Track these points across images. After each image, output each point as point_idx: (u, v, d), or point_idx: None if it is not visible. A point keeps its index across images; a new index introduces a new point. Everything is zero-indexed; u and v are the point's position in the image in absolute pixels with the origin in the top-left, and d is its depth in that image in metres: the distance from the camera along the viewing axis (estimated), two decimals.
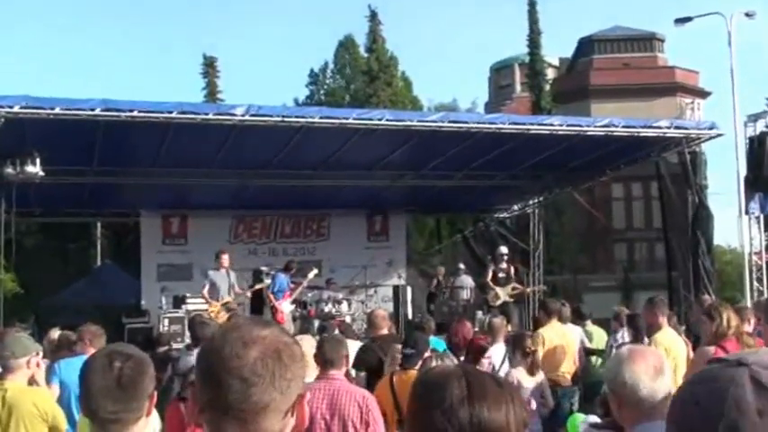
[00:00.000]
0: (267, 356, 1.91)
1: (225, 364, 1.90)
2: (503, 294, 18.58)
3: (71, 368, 7.13)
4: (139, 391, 3.05)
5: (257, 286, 18.31)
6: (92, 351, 7.56)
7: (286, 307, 17.73)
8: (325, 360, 6.28)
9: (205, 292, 16.78)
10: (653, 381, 3.42)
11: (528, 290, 19.76)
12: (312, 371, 6.87)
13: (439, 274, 22.32)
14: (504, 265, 19.04)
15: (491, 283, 18.84)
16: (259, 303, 18.86)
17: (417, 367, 7.04)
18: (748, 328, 8.39)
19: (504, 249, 19.78)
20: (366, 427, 5.94)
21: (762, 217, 19.25)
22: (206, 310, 16.18)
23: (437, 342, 10.45)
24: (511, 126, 17.14)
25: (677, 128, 18.43)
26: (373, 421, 5.97)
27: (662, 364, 3.54)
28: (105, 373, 3.04)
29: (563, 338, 11.00)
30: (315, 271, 18.90)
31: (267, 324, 2.03)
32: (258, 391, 1.89)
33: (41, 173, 14.70)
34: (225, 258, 17.19)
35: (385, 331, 10.09)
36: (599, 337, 13.34)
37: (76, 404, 6.39)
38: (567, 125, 17.51)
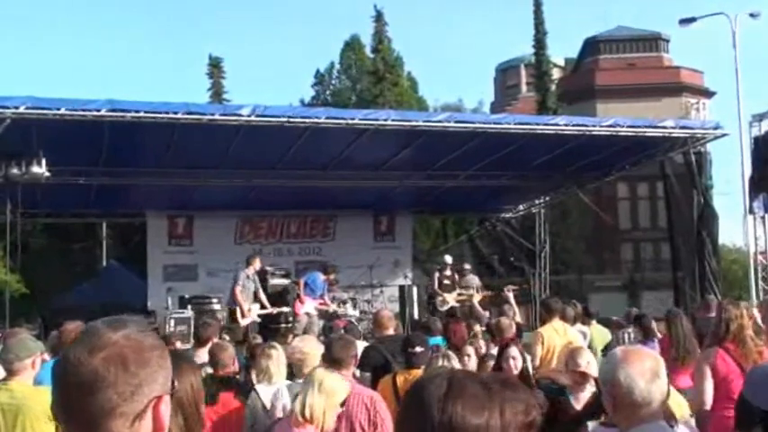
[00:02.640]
0: (110, 362, 1.87)
1: (68, 370, 1.89)
2: (450, 299, 19.26)
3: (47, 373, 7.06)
4: None
5: (281, 309, 18.14)
6: None
7: (309, 305, 17.63)
8: (333, 360, 6.24)
9: (238, 291, 16.71)
10: (649, 383, 3.37)
11: (476, 296, 20.03)
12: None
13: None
14: (448, 273, 19.94)
15: (438, 290, 19.56)
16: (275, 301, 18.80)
17: (423, 367, 7.03)
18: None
19: (448, 259, 20.70)
20: (374, 429, 5.91)
21: (767, 216, 19.23)
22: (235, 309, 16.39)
23: (442, 343, 10.46)
24: (517, 126, 17.16)
25: (682, 128, 18.45)
26: (381, 422, 5.94)
27: (658, 366, 3.48)
28: None
29: (564, 338, 10.84)
30: (355, 311, 19.10)
31: (123, 326, 1.96)
32: (98, 399, 1.85)
33: (47, 173, 14.69)
34: (257, 263, 17.23)
35: (391, 331, 10.09)
36: (599, 338, 13.33)
37: None
38: (573, 125, 17.52)
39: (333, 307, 18.60)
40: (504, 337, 10.28)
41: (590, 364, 6.42)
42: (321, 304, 17.98)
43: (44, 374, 6.69)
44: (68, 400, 1.88)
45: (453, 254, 28.84)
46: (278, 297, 18.23)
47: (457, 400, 1.90)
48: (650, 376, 3.40)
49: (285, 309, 17.86)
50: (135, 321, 2.06)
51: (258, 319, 17.16)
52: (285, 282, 19.15)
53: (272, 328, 18.04)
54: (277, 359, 7.48)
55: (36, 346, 6.26)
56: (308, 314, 17.72)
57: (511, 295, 17.13)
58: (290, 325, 17.72)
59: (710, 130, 18.56)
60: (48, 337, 10.95)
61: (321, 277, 17.97)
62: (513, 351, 8.23)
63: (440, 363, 5.81)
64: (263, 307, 17.42)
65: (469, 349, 9.70)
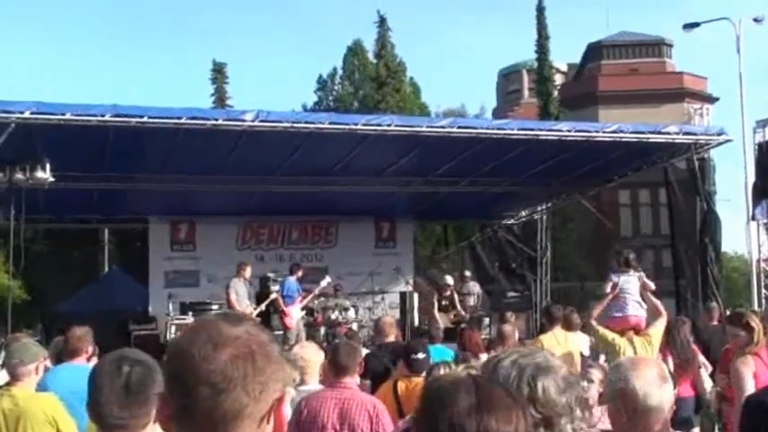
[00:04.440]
0: (239, 358, 1.76)
1: (193, 369, 1.75)
2: (443, 321, 19.17)
3: (56, 378, 7.06)
4: (147, 396, 3.04)
5: (267, 300, 18.16)
6: (83, 356, 7.53)
7: (296, 312, 17.68)
8: (338, 366, 6.20)
9: (233, 299, 16.73)
10: (659, 389, 3.39)
11: (466, 315, 20.11)
12: (314, 378, 6.85)
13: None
14: (447, 293, 20.00)
15: (435, 314, 19.57)
16: (266, 308, 18.88)
17: (424, 374, 6.99)
18: None
19: (449, 280, 20.67)
20: None
21: None
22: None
23: (444, 351, 10.41)
24: (519, 132, 17.14)
25: (685, 133, 18.39)
26: (383, 430, 5.91)
27: (664, 371, 3.51)
28: (113, 378, 3.04)
29: (564, 346, 10.71)
30: (328, 279, 18.94)
31: (240, 321, 1.85)
32: (229, 398, 1.74)
33: (51, 179, 14.71)
34: (248, 270, 17.27)
35: (392, 338, 10.07)
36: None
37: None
38: (576, 131, 17.47)
39: (314, 293, 18.56)
40: (506, 345, 10.20)
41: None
42: (302, 300, 17.98)
43: (48, 380, 6.71)
44: (191, 401, 1.76)
45: (454, 260, 28.90)
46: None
47: (490, 412, 1.90)
48: (660, 382, 3.42)
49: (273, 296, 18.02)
50: (246, 316, 1.98)
51: (258, 320, 17.20)
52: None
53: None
54: None
55: (40, 352, 6.26)
56: (300, 319, 17.84)
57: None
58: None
59: (714, 136, 18.51)
60: (50, 343, 10.92)
61: (291, 280, 18.00)
62: None
63: (442, 373, 5.76)
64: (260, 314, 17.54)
65: (484, 356, 9.63)
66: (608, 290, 11.08)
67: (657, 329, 9.51)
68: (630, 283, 11.02)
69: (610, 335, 9.76)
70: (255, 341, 1.82)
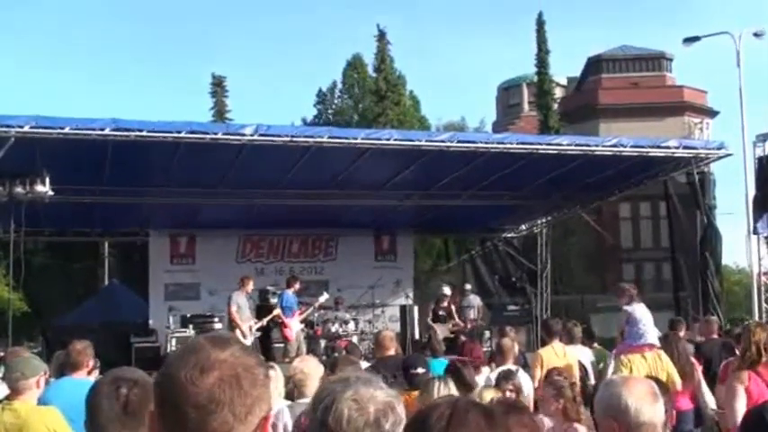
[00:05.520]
0: (225, 382, 1.82)
1: (181, 392, 1.81)
2: (441, 331, 19.14)
3: (58, 391, 7.04)
4: (146, 416, 3.05)
5: (270, 316, 18.15)
6: (84, 369, 7.52)
7: (295, 325, 17.71)
8: None
9: (234, 312, 16.72)
10: (652, 405, 3.38)
11: (469, 326, 20.06)
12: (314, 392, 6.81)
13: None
14: (444, 304, 20.16)
15: (431, 323, 19.72)
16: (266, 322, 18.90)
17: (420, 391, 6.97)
18: None
19: (447, 290, 20.82)
20: None
21: None
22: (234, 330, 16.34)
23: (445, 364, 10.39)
24: (519, 145, 17.14)
25: (686, 147, 18.41)
26: None
27: (655, 388, 3.50)
28: (111, 399, 3.05)
29: (564, 359, 10.69)
30: (326, 296, 19.01)
31: (228, 344, 1.91)
32: (216, 419, 1.80)
33: (51, 192, 14.71)
34: (251, 284, 17.31)
35: (392, 352, 10.04)
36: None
37: None
38: (576, 145, 17.49)
39: (314, 307, 18.60)
40: (506, 358, 10.17)
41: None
42: (301, 313, 18.01)
43: (50, 394, 6.71)
44: (180, 422, 1.81)
45: (455, 273, 28.87)
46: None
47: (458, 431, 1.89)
48: (652, 399, 3.41)
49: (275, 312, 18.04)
50: (234, 339, 2.02)
51: (258, 333, 17.26)
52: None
53: (271, 348, 18.10)
54: (275, 380, 7.44)
55: (41, 366, 6.26)
56: (299, 332, 17.86)
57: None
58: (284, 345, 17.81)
59: (714, 149, 18.54)
60: (52, 357, 10.92)
61: (289, 293, 18.01)
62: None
63: (436, 387, 5.72)
64: (260, 328, 17.56)
65: (486, 369, 9.61)
66: (625, 323, 11.07)
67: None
68: (644, 312, 11.01)
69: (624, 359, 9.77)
70: (242, 365, 1.87)
